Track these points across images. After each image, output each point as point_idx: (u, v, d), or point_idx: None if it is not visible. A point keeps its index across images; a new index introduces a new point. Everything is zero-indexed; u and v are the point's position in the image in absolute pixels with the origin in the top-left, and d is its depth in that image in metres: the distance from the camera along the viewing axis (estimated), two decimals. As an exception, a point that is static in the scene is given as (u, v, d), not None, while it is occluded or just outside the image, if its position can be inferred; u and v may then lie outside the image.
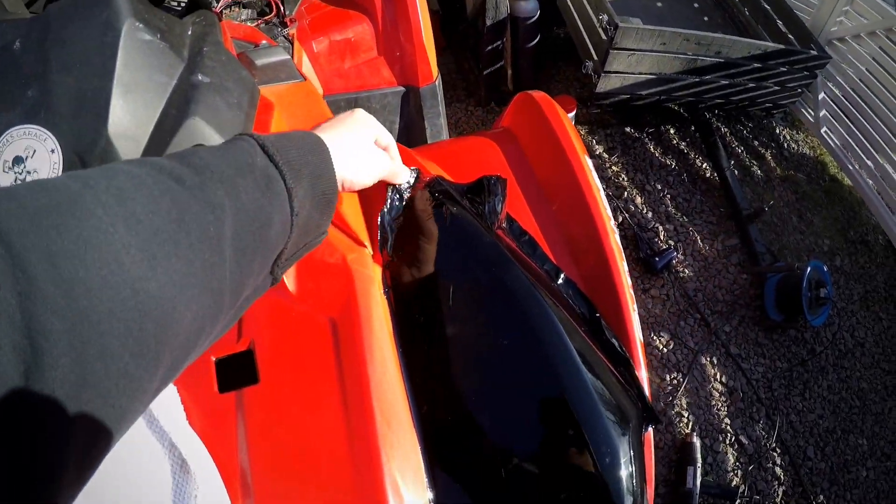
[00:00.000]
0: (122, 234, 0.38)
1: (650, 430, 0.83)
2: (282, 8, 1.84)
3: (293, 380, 0.71)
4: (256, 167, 0.53)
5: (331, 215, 0.63)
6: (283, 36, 1.71)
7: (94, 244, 0.36)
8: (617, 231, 0.91)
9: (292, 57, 1.60)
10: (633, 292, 0.89)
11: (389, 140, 0.77)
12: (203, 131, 0.72)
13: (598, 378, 0.74)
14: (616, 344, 0.83)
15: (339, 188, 0.68)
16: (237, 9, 1.88)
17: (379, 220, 0.82)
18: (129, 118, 0.69)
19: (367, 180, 0.71)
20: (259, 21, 1.79)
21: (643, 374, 0.85)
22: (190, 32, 0.86)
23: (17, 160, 0.66)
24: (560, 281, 0.87)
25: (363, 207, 0.88)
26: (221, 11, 1.81)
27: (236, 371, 0.72)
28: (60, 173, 0.65)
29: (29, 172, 0.66)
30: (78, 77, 0.68)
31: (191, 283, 0.42)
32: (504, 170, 1.02)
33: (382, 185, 0.84)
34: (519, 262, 0.79)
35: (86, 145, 0.66)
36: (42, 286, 0.33)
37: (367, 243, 0.82)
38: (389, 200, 0.83)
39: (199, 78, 0.76)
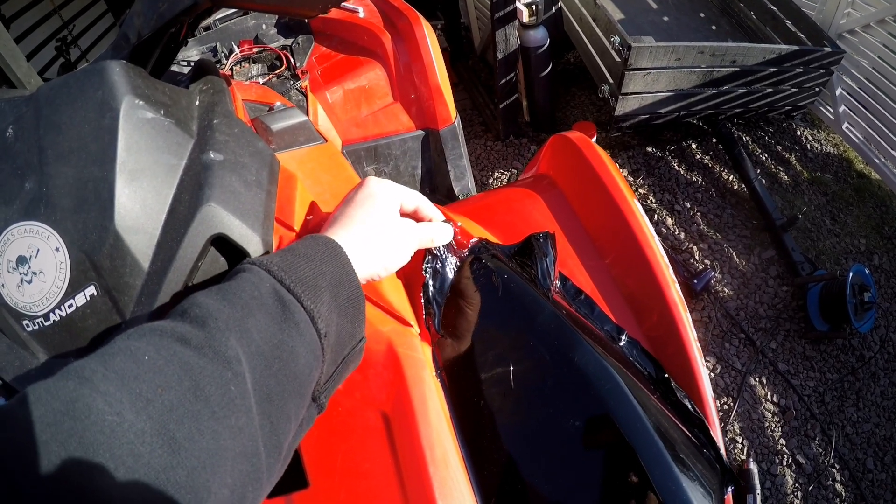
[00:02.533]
0: (132, 420, 0.33)
1: (730, 491, 0.77)
2: (292, 60, 1.82)
3: (347, 483, 0.65)
4: (266, 297, 0.48)
5: (363, 320, 0.57)
6: (296, 89, 1.69)
7: (102, 443, 0.31)
8: (676, 281, 0.86)
9: (307, 109, 1.58)
10: (699, 345, 0.83)
11: (417, 200, 0.70)
12: (221, 218, 0.64)
13: (675, 446, 0.68)
14: (688, 405, 0.78)
15: (374, 279, 0.63)
16: (247, 64, 1.87)
17: (422, 293, 0.77)
18: (137, 208, 0.62)
19: (400, 262, 0.65)
20: (270, 75, 1.78)
21: (718, 433, 0.80)
22: (197, 103, 0.79)
23: (21, 260, 0.61)
24: (623, 342, 0.82)
25: (404, 280, 0.82)
26: (232, 70, 1.81)
27: (284, 475, 0.66)
28: (68, 274, 0.60)
29: (35, 273, 0.61)
30: (76, 166, 0.62)
31: (222, 457, 0.37)
32: (549, 221, 0.96)
33: (420, 253, 0.78)
34: (579, 326, 0.74)
35: (92, 242, 0.60)
36: None
37: (413, 321, 0.76)
38: (430, 270, 0.77)
39: (212, 156, 0.68)
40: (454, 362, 0.75)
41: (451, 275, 0.78)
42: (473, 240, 0.81)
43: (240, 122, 0.80)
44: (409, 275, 0.82)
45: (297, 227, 0.75)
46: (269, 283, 0.49)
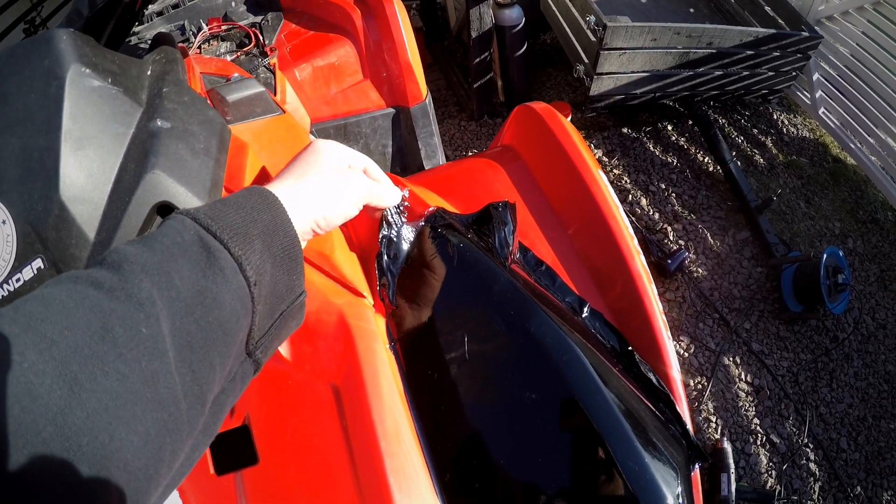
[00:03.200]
0: (34, 360, 0.33)
1: (697, 468, 0.75)
2: (261, 38, 1.80)
3: (296, 457, 0.63)
4: (189, 244, 0.46)
5: (301, 272, 0.55)
6: (265, 66, 1.66)
7: (0, 381, 0.31)
8: (641, 252, 0.84)
9: (275, 87, 1.55)
10: (665, 319, 0.81)
11: (365, 162, 0.67)
12: (166, 185, 0.64)
13: (638, 421, 0.67)
14: (653, 378, 0.76)
15: (313, 233, 0.59)
16: (216, 42, 1.84)
17: (377, 264, 0.75)
18: (83, 178, 0.61)
19: (345, 212, 0.62)
20: (238, 53, 1.74)
21: (684, 408, 0.78)
22: (149, 73, 0.78)
23: (-32, 234, 0.59)
24: (585, 314, 0.79)
25: (358, 252, 0.80)
26: (200, 47, 1.77)
27: (232, 450, 0.64)
28: (15, 247, 0.59)
29: None
30: (22, 136, 0.61)
31: (129, 401, 0.35)
32: (510, 192, 0.94)
33: (375, 225, 0.76)
34: (539, 298, 0.72)
35: (38, 214, 0.59)
36: None
37: (367, 292, 0.74)
38: (385, 241, 0.75)
39: (159, 124, 0.68)
40: (408, 334, 0.73)
41: (406, 245, 0.76)
42: (430, 209, 0.79)
43: (190, 90, 0.79)
44: (365, 246, 0.80)
45: None
46: (194, 230, 0.47)
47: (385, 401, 0.64)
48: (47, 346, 0.34)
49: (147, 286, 0.41)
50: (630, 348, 0.78)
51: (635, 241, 0.84)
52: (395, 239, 0.75)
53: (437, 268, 0.73)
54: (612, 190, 0.88)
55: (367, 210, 0.68)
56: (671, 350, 0.80)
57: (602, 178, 0.88)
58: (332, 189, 0.60)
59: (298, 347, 0.68)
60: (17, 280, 0.59)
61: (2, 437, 0.29)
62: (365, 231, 0.78)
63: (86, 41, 0.69)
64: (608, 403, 0.64)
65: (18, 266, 0.59)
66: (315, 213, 0.58)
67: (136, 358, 0.37)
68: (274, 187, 0.57)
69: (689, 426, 0.76)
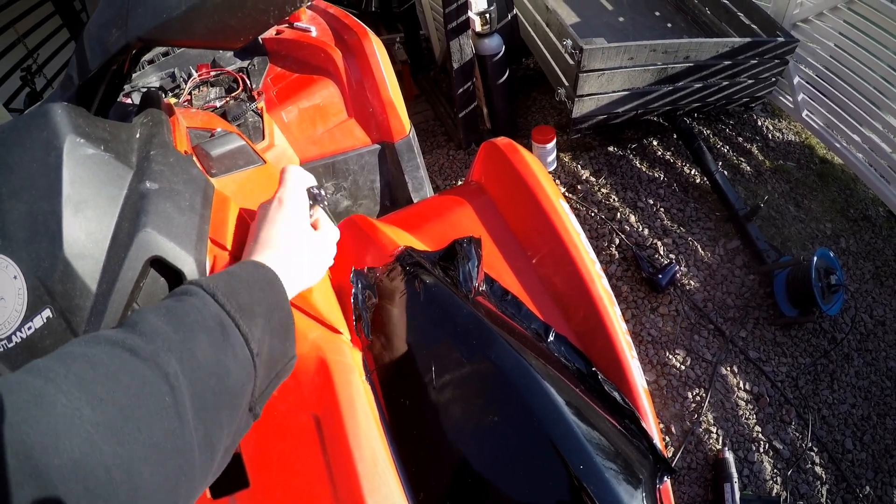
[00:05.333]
0: (89, 415, 0.41)
1: (667, 481, 0.78)
2: (248, 82, 1.84)
3: (283, 481, 0.70)
4: (208, 321, 0.55)
5: (293, 340, 0.66)
6: (252, 110, 1.71)
7: (64, 431, 0.39)
8: (604, 276, 0.88)
9: (263, 130, 1.60)
10: (629, 338, 0.85)
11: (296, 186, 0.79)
12: (156, 242, 0.71)
13: (602, 439, 0.70)
14: (618, 397, 0.79)
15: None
16: (205, 88, 1.89)
17: (352, 302, 0.81)
18: (83, 237, 0.68)
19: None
20: (227, 98, 1.79)
21: (651, 424, 0.81)
22: (138, 136, 0.84)
23: (-18, 288, 0.66)
24: (550, 339, 0.83)
25: (336, 288, 0.86)
26: (191, 94, 1.83)
27: (226, 476, 0.70)
28: (26, 299, 0.65)
29: None
30: (28, 201, 0.67)
31: (155, 451, 0.44)
32: (476, 227, 0.99)
33: (350, 265, 0.82)
34: (503, 327, 0.76)
35: (45, 270, 0.65)
36: (19, 478, 0.35)
37: (343, 328, 0.80)
38: (359, 281, 0.81)
39: (148, 185, 0.75)
40: (382, 366, 0.79)
41: (379, 284, 0.81)
42: (399, 248, 0.83)
43: (175, 151, 0.86)
44: (342, 284, 0.85)
45: (230, 247, 0.80)
46: (214, 309, 0.57)
47: (362, 428, 0.71)
48: (98, 404, 0.42)
49: (174, 364, 0.49)
50: (594, 369, 0.81)
51: (597, 265, 0.88)
52: (368, 279, 0.80)
53: (407, 304, 0.79)
54: (573, 218, 0.92)
55: None
56: (636, 368, 0.84)
57: (563, 208, 0.92)
58: (312, 262, 0.74)
59: (283, 382, 0.74)
60: (30, 328, 0.65)
61: (64, 477, 0.37)
62: (342, 270, 0.84)
63: (79, 112, 0.75)
64: (567, 424, 0.68)
65: (30, 315, 0.65)
66: (301, 285, 0.72)
67: (161, 419, 0.46)
68: (269, 261, 0.69)
69: (657, 440, 0.79)
